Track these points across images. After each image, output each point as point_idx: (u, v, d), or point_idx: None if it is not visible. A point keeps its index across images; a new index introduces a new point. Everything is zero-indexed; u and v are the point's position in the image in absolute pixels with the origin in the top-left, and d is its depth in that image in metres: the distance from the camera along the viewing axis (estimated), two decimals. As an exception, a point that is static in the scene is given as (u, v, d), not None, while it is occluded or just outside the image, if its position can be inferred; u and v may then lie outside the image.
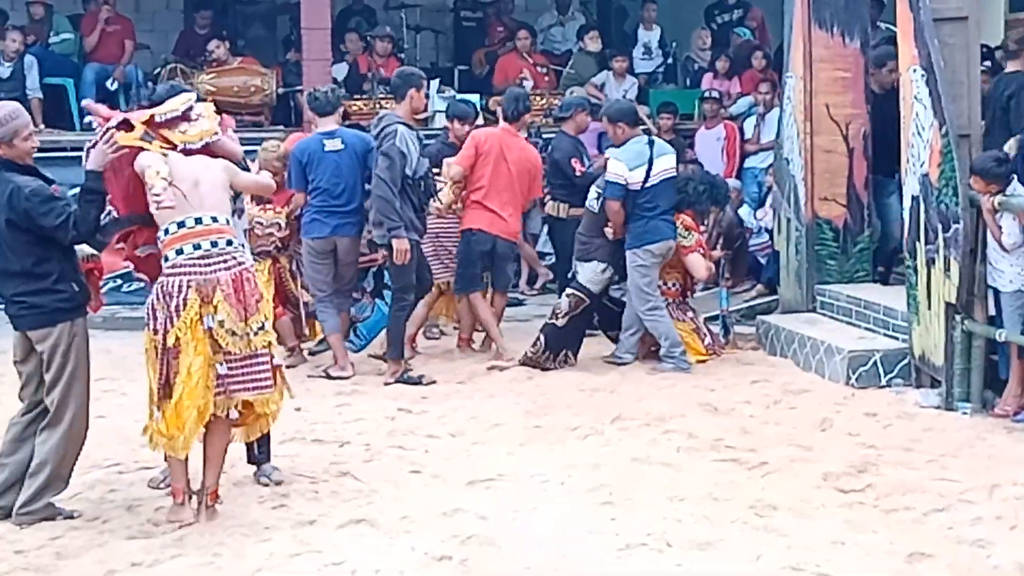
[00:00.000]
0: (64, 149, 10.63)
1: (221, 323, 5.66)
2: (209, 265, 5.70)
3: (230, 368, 5.73)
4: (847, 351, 8.47)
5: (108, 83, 13.05)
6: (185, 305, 5.64)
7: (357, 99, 12.86)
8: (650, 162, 9.05)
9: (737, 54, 13.72)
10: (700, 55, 14.48)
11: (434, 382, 8.64)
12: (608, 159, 9.24)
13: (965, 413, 7.62)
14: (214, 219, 5.78)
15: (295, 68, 12.73)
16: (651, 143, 9.23)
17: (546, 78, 13.73)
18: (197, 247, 5.71)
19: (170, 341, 5.65)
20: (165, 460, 5.97)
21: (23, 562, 5.44)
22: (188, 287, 5.66)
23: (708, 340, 9.44)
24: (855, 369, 8.40)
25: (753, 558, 5.37)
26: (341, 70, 13.48)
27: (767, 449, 6.92)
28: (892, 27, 9.25)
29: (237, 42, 13.60)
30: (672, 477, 6.51)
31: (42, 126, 12.31)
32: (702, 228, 9.65)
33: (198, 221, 5.74)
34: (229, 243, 5.79)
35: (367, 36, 13.74)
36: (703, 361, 9.21)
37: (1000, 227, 7.49)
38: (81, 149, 6.08)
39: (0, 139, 5.77)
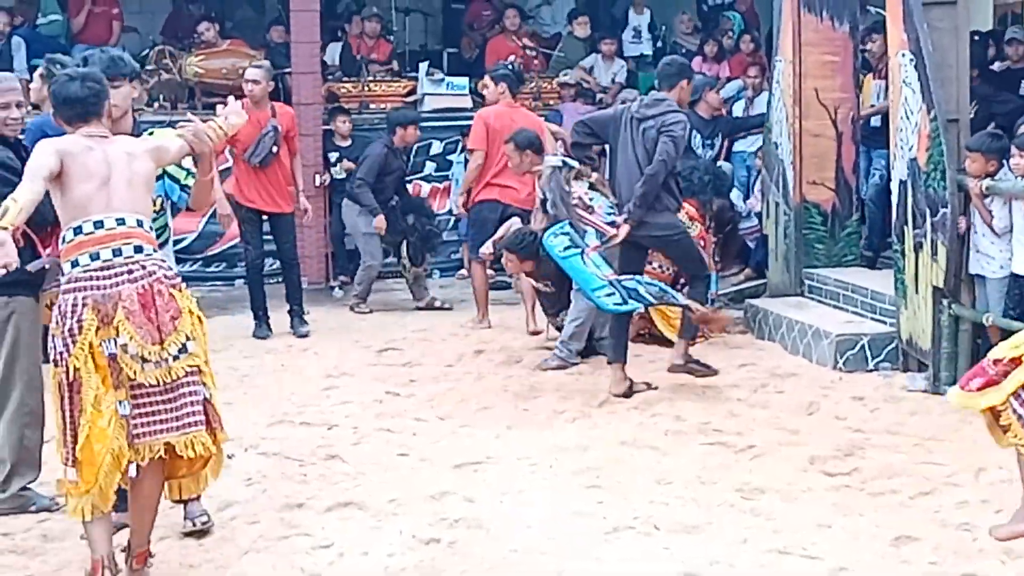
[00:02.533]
0: (51, 130, 10.58)
1: (124, 348, 4.63)
2: (110, 278, 4.67)
3: (145, 404, 4.70)
4: (835, 335, 8.49)
5: (95, 65, 12.97)
6: (81, 328, 4.63)
7: (346, 82, 12.84)
8: None
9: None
10: (685, 39, 14.48)
11: (655, 388, 7.98)
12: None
13: (951, 397, 7.63)
14: (120, 221, 4.73)
15: (284, 50, 12.70)
16: None
17: (535, 60, 13.72)
18: (95, 257, 4.67)
19: (70, 373, 4.66)
20: (84, 524, 4.86)
21: (10, 544, 5.44)
22: (84, 305, 4.64)
23: (697, 324, 9.45)
24: (842, 353, 8.41)
25: (740, 541, 5.38)
26: (333, 51, 13.46)
27: (754, 432, 6.93)
28: (881, 11, 9.24)
29: (225, 24, 13.55)
30: (659, 460, 6.52)
31: (28, 107, 12.26)
32: (704, 218, 9.61)
33: (98, 225, 4.70)
34: (138, 250, 4.72)
35: (361, 18, 13.72)
36: (692, 344, 9.20)
37: (990, 211, 7.51)
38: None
39: None
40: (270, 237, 10.08)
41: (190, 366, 4.77)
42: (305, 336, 9.72)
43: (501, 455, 6.63)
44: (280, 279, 10.34)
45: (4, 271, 4.45)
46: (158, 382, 4.69)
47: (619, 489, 6.05)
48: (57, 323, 4.70)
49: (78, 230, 4.71)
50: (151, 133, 5.36)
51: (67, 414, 4.70)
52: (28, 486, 5.81)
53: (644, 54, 14.42)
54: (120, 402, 4.65)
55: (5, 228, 4.45)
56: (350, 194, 10.97)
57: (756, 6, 14.39)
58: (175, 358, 4.71)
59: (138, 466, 4.71)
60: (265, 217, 9.96)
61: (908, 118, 8.03)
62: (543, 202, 9.15)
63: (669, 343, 9.19)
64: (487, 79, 10.46)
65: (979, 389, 4.64)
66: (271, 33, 13.55)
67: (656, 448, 6.73)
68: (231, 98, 5.59)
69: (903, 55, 8.03)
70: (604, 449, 6.70)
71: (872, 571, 5.07)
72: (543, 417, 7.38)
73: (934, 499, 5.85)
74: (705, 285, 8.29)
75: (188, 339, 4.76)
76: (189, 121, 5.17)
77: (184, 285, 4.91)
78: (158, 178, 5.24)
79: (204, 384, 4.85)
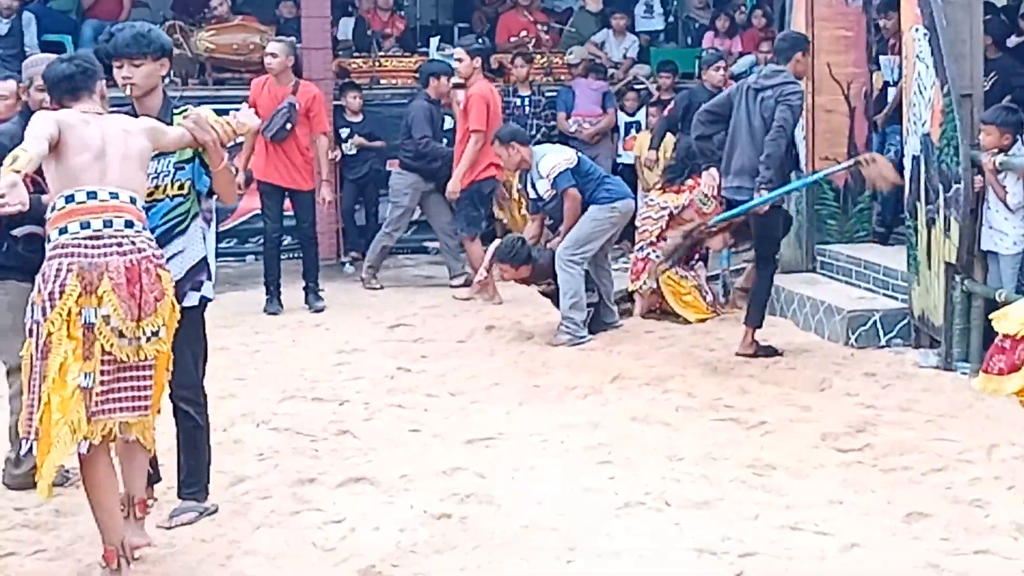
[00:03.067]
0: (62, 106, 10.57)
1: (106, 319, 4.56)
2: (99, 248, 4.59)
3: (108, 381, 4.61)
4: (846, 311, 8.47)
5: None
6: (62, 293, 4.52)
7: (357, 57, 12.82)
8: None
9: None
10: (698, 13, 14.43)
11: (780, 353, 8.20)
12: (540, 163, 8.95)
13: (964, 373, 7.62)
14: (113, 195, 4.66)
15: (295, 25, 12.67)
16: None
17: (547, 36, 13.68)
18: (86, 226, 4.60)
19: (42, 338, 4.54)
20: (93, 512, 4.80)
21: (23, 519, 5.46)
22: (68, 271, 4.54)
23: (710, 298, 9.46)
24: (854, 329, 8.40)
25: (751, 517, 5.38)
26: (346, 26, 13.42)
27: (766, 409, 6.93)
28: (894, -14, 9.19)
29: (236, -1, 13.53)
30: (671, 436, 6.52)
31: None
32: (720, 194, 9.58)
33: (91, 196, 4.63)
34: (129, 224, 4.66)
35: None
36: (704, 320, 9.21)
37: (1004, 187, 7.47)
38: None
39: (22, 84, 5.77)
40: (290, 213, 10.07)
41: (157, 351, 4.71)
42: (320, 311, 9.73)
43: (512, 431, 6.64)
44: (292, 255, 10.35)
45: (20, 207, 4.32)
46: (128, 358, 4.63)
47: (630, 465, 6.05)
48: (39, 290, 4.58)
49: (70, 199, 4.63)
50: (184, 111, 5.21)
51: (34, 384, 4.55)
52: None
53: (656, 29, 14.37)
54: (86, 374, 4.53)
55: (17, 171, 4.32)
56: (410, 163, 10.72)
57: (769, -20, 14.32)
58: (148, 339, 4.66)
59: (90, 444, 4.60)
60: (288, 193, 9.95)
61: (921, 93, 7.99)
62: (535, 202, 9.16)
63: (681, 318, 9.22)
64: (461, 52, 10.39)
65: (1002, 372, 4.55)
66: (280, 8, 13.51)
67: (667, 424, 6.73)
68: (244, 105, 5.60)
69: (917, 30, 7.98)
70: (615, 425, 6.70)
71: (883, 547, 5.06)
72: (554, 393, 7.38)
73: (946, 476, 5.84)
74: (770, 273, 8.41)
75: (164, 324, 4.72)
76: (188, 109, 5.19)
77: (167, 267, 4.85)
78: (188, 161, 5.17)
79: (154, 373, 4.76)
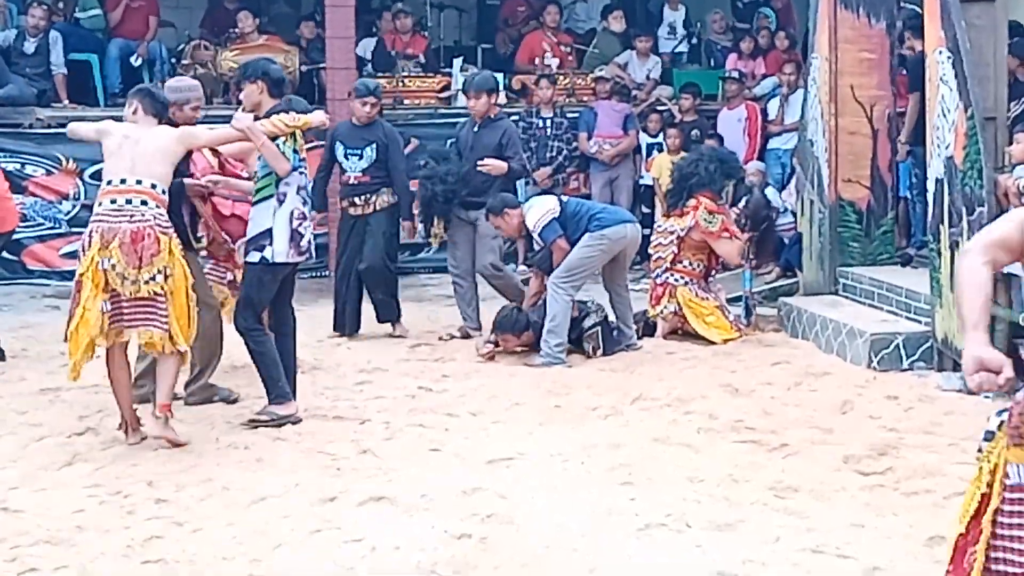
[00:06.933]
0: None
1: (113, 267, 6.43)
2: (116, 217, 6.51)
3: (119, 307, 6.53)
4: (869, 334, 8.45)
5: (132, 59, 13.08)
6: (89, 245, 6.49)
7: (380, 77, 12.86)
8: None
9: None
10: (718, 37, 14.45)
11: None
12: (527, 215, 8.95)
13: (987, 397, 7.58)
14: (138, 181, 6.58)
15: (319, 45, 12.73)
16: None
17: (570, 57, 13.71)
18: (113, 202, 6.56)
19: (77, 277, 6.55)
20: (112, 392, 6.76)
21: (45, 535, 5.46)
22: (96, 233, 6.50)
23: (731, 316, 9.45)
24: (877, 352, 8.37)
25: (772, 539, 5.36)
26: (366, 47, 13.47)
27: (787, 431, 6.91)
28: (918, 8, 9.20)
29: (261, 19, 13.60)
30: (692, 458, 6.51)
31: (66, 102, 12.38)
32: (725, 207, 9.59)
33: (122, 181, 6.59)
34: (143, 203, 6.55)
35: (392, 15, 13.74)
36: (729, 339, 9.20)
37: (1027, 209, 7.44)
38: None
39: (175, 101, 7.15)
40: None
41: (154, 291, 6.51)
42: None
43: (533, 451, 6.63)
44: (315, 273, 10.37)
45: None
46: (130, 295, 6.50)
47: (651, 486, 6.04)
48: (81, 244, 6.64)
49: (109, 182, 6.64)
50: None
51: (73, 307, 6.55)
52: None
53: (679, 52, 14.38)
54: (104, 302, 6.48)
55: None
56: None
57: (792, 3, 14.33)
58: (145, 282, 6.48)
59: (108, 348, 6.62)
60: None
61: (945, 116, 7.98)
62: (536, 262, 9.13)
63: (702, 340, 9.21)
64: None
65: None
66: (301, 29, 13.56)
67: (689, 445, 6.71)
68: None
69: (940, 52, 7.98)
70: (636, 446, 6.69)
71: (906, 571, 5.03)
72: (575, 414, 7.37)
73: (969, 500, 5.80)
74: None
75: (158, 272, 6.50)
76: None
77: (173, 233, 6.63)
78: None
79: (167, 305, 6.57)
